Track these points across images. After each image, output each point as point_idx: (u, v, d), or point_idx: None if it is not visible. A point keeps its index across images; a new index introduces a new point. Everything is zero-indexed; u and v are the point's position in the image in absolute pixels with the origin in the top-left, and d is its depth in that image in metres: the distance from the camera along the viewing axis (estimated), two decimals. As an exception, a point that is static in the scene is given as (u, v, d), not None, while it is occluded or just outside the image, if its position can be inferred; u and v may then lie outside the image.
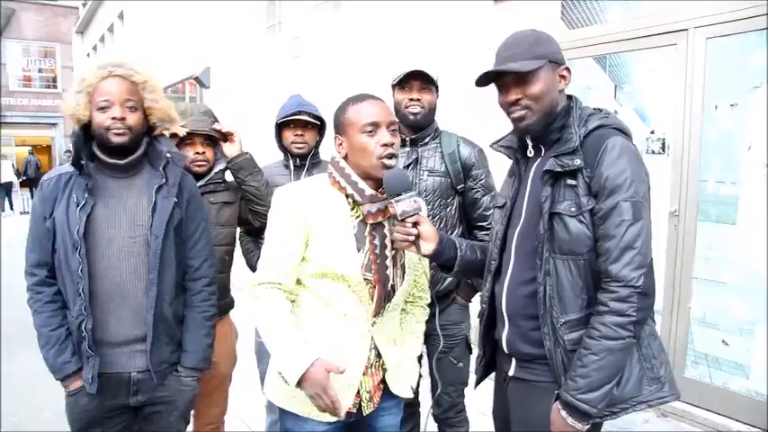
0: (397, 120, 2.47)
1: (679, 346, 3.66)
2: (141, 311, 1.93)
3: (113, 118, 1.86)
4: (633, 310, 1.47)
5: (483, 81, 1.69)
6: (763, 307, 3.34)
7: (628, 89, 4.74)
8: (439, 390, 2.28)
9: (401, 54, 5.99)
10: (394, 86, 2.52)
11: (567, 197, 1.55)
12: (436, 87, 2.51)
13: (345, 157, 1.78)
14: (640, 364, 1.58)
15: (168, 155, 2.02)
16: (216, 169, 2.55)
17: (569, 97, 1.70)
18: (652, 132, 4.31)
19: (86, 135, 1.93)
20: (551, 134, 1.65)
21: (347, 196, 1.76)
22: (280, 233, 1.75)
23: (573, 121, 1.62)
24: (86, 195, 1.86)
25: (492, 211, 2.13)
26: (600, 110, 1.69)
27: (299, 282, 1.78)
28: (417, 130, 2.50)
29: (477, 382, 1.97)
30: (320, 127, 2.86)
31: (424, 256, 1.75)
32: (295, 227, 1.72)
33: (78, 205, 1.85)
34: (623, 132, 1.60)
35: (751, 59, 3.65)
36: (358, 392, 1.79)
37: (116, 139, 1.88)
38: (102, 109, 1.86)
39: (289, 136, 2.78)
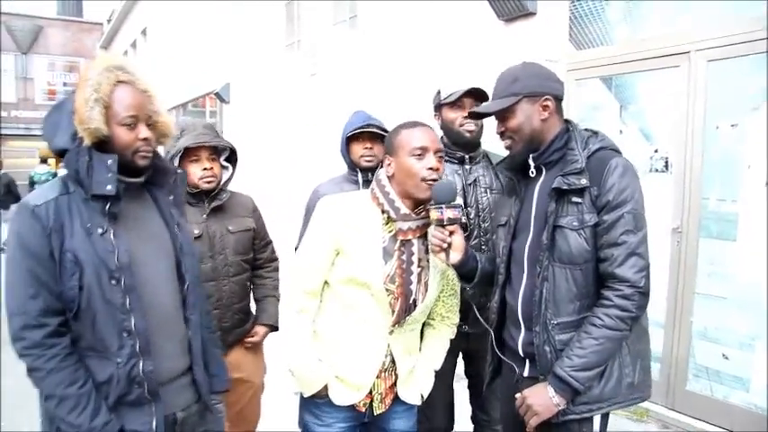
0: (446, 141, 2.53)
1: (681, 359, 3.73)
2: (184, 341, 1.76)
3: (144, 139, 1.62)
4: (635, 307, 1.64)
5: (475, 116, 1.97)
6: (762, 322, 3.41)
7: (632, 109, 4.82)
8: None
9: (415, 70, 6.17)
10: (442, 105, 2.51)
11: (570, 212, 1.71)
12: None
13: (392, 177, 1.90)
14: (620, 370, 1.73)
15: (179, 171, 1.83)
16: (222, 182, 2.54)
17: (567, 121, 1.86)
18: (656, 151, 4.39)
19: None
20: (552, 155, 1.82)
21: (383, 212, 1.89)
22: (313, 245, 1.92)
23: (576, 144, 1.78)
24: (107, 219, 1.57)
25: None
26: (595, 132, 1.85)
27: (326, 284, 1.94)
28: (469, 148, 2.50)
29: (488, 385, 2.12)
30: None
31: (452, 264, 1.87)
32: (326, 242, 1.89)
33: (105, 231, 1.55)
34: (618, 152, 1.78)
35: (750, 82, 3.76)
36: (371, 393, 1.93)
37: (142, 162, 1.64)
38: (128, 126, 1.59)
39: (357, 150, 2.71)
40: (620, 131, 4.63)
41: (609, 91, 4.61)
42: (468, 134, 2.45)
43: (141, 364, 1.58)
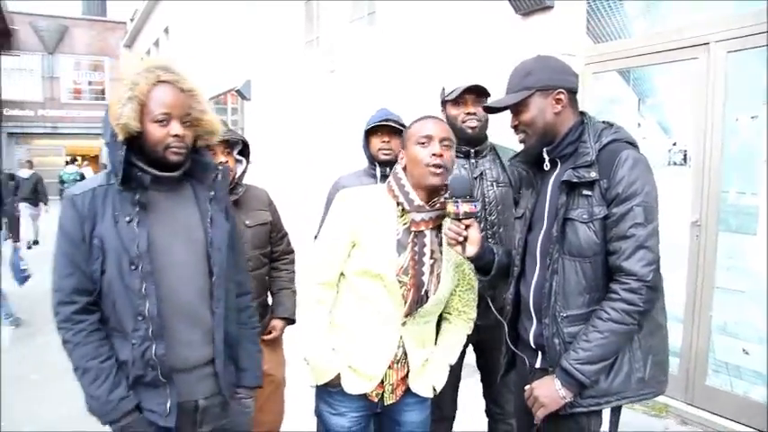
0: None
1: (700, 354, 3.70)
2: (209, 332, 1.79)
3: (175, 135, 1.67)
4: (642, 301, 1.63)
5: (489, 110, 2.01)
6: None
7: (651, 102, 4.76)
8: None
9: (433, 67, 6.17)
10: (445, 102, 2.56)
11: (580, 205, 1.71)
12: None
13: (405, 168, 1.96)
14: (630, 365, 1.73)
15: (220, 167, 1.89)
16: (237, 176, 2.56)
17: (582, 114, 1.86)
18: (674, 144, 4.34)
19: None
20: (566, 148, 1.81)
21: (398, 204, 1.93)
22: (330, 237, 1.99)
23: (588, 136, 1.78)
24: (137, 209, 1.67)
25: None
26: (611, 124, 1.84)
27: (343, 275, 1.99)
28: (474, 143, 2.53)
29: (503, 377, 2.13)
30: None
31: (468, 257, 1.89)
32: (343, 234, 1.94)
33: (131, 220, 1.66)
34: (633, 145, 1.76)
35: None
36: (382, 383, 1.96)
37: (174, 158, 1.70)
38: (160, 122, 1.66)
39: (376, 143, 2.78)
40: (639, 125, 4.58)
41: (627, 84, 4.58)
42: (470, 130, 2.48)
43: (154, 347, 1.66)
